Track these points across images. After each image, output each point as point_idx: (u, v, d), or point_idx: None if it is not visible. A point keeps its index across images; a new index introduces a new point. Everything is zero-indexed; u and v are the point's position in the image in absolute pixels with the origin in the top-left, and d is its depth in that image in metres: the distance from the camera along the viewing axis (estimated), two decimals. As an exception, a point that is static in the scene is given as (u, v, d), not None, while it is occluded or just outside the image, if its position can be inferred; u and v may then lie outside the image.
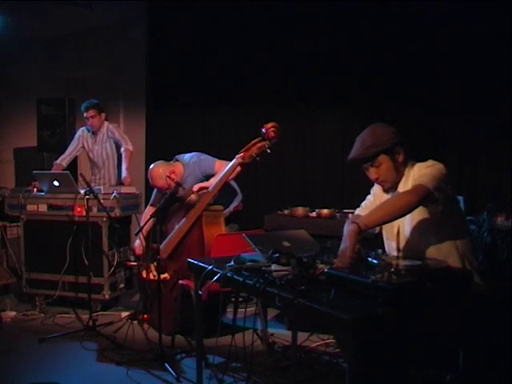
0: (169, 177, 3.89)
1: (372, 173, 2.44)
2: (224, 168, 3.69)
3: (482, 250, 3.54)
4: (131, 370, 3.27)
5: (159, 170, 3.92)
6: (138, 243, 4.03)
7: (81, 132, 5.23)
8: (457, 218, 2.39)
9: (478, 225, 3.68)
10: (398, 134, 2.45)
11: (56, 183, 4.46)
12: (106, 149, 5.14)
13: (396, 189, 2.45)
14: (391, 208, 2.28)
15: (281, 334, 3.78)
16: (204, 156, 4.04)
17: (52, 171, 4.93)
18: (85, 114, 5.05)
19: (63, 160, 5.16)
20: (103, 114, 5.12)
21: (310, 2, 5.30)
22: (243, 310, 3.44)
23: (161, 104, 6.26)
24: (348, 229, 2.20)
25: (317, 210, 4.33)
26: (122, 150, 5.07)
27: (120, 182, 5.09)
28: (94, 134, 5.13)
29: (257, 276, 2.22)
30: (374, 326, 1.84)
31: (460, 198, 2.76)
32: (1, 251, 4.96)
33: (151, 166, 4.00)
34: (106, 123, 5.17)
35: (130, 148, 5.10)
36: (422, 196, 2.24)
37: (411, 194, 2.25)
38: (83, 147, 5.21)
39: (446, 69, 4.83)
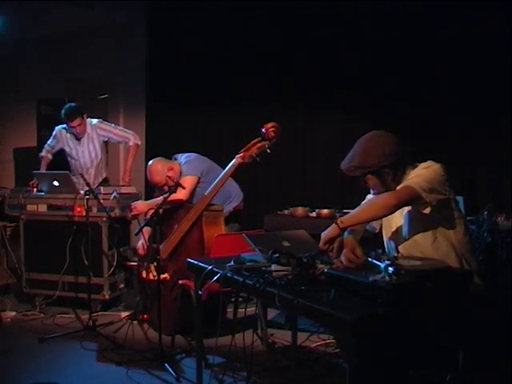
0: (168, 176, 3.94)
1: (362, 182, 2.50)
2: (223, 171, 3.72)
3: (482, 250, 3.54)
4: (131, 370, 3.26)
5: (157, 166, 4.00)
6: (140, 243, 4.03)
7: (58, 135, 4.91)
8: (455, 219, 2.39)
9: (478, 225, 3.68)
10: (392, 154, 2.36)
11: (56, 183, 4.46)
12: (94, 148, 4.88)
13: None
14: (370, 208, 2.33)
15: (281, 333, 3.78)
16: (192, 161, 4.06)
17: (52, 171, 4.90)
18: (69, 124, 4.71)
19: (48, 153, 4.98)
20: (85, 116, 4.78)
21: (310, 2, 5.30)
22: (243, 309, 3.44)
23: (161, 104, 6.26)
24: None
25: (317, 210, 4.33)
26: (131, 144, 4.93)
27: (104, 180, 5.02)
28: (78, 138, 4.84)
29: (257, 276, 2.22)
30: (374, 325, 1.84)
31: (460, 198, 2.75)
32: (1, 251, 4.95)
33: (150, 162, 4.07)
34: (87, 122, 4.83)
35: (139, 142, 4.99)
36: (405, 197, 2.27)
37: (392, 196, 2.29)
38: (63, 148, 4.94)
39: (446, 69, 4.83)
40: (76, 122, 4.70)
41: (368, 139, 2.45)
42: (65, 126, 4.84)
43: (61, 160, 5.06)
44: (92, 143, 4.89)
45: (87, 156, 4.92)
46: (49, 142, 5.04)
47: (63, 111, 4.73)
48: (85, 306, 4.19)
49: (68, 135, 4.89)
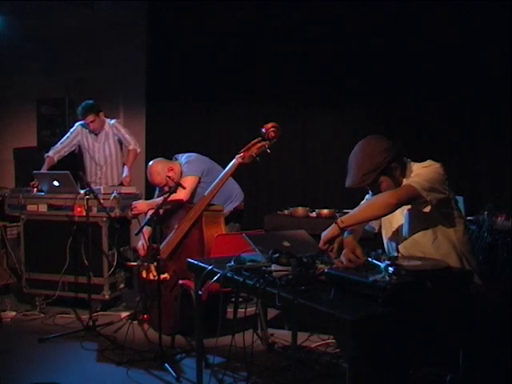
0: (169, 176, 3.94)
1: (373, 191, 2.45)
2: (222, 172, 3.73)
3: (482, 249, 3.54)
4: (131, 370, 3.26)
5: (158, 167, 4.00)
6: (141, 243, 4.02)
7: (79, 129, 5.05)
8: (455, 218, 2.39)
9: (478, 225, 3.68)
10: (390, 148, 2.37)
11: (56, 183, 4.46)
12: (109, 146, 5.04)
13: None
14: (370, 208, 2.32)
15: (281, 333, 3.78)
16: (192, 161, 4.06)
17: (52, 171, 4.90)
18: (84, 120, 4.91)
19: (55, 154, 5.02)
20: (101, 114, 4.97)
21: (310, 2, 5.30)
22: (243, 309, 3.44)
23: (161, 104, 6.27)
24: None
25: (317, 210, 4.33)
26: (131, 148, 5.04)
27: (120, 182, 5.09)
28: (96, 133, 5.02)
29: (257, 276, 2.22)
30: (374, 326, 1.84)
31: (460, 198, 2.76)
32: (1, 251, 4.95)
33: (150, 163, 4.08)
34: (106, 121, 5.05)
35: (138, 150, 5.11)
36: (405, 196, 2.27)
37: (392, 195, 2.27)
38: (79, 145, 5.08)
39: (446, 69, 4.84)
40: (89, 119, 4.88)
41: (362, 147, 2.42)
42: (83, 122, 5.00)
43: (62, 160, 5.09)
44: (107, 141, 5.04)
45: (102, 153, 5.05)
46: (61, 140, 5.09)
47: (78, 108, 4.95)
48: (85, 305, 4.19)
49: (86, 132, 5.04)
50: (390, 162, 2.35)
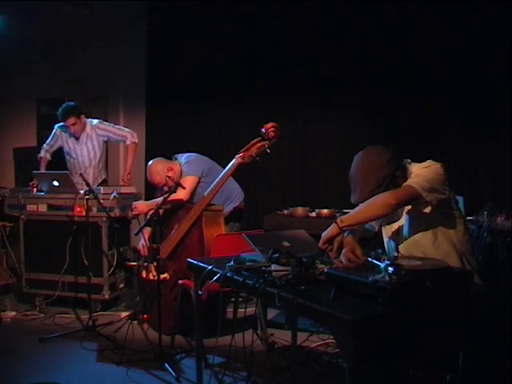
0: (168, 176, 3.95)
1: None
2: (221, 172, 3.74)
3: (482, 249, 3.54)
4: (131, 370, 3.26)
5: (157, 166, 4.00)
6: (141, 244, 4.02)
7: (58, 133, 4.92)
8: (455, 218, 2.39)
9: (478, 225, 3.68)
10: (392, 157, 2.36)
11: (56, 183, 4.46)
12: (93, 148, 4.87)
13: None
14: (370, 208, 2.31)
15: (281, 333, 3.78)
16: (192, 161, 4.06)
17: (52, 171, 4.90)
18: (64, 123, 4.74)
19: (46, 153, 4.98)
20: (82, 116, 4.76)
21: (310, 2, 5.30)
22: (243, 309, 3.44)
23: (161, 104, 6.27)
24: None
25: (317, 210, 4.34)
26: (128, 143, 4.92)
27: (103, 181, 5.01)
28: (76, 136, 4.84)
29: (257, 276, 2.22)
30: (374, 325, 1.84)
31: (460, 198, 2.75)
32: (1, 251, 4.95)
33: (150, 163, 4.08)
34: (88, 122, 4.85)
35: (136, 140, 4.97)
36: (405, 197, 2.26)
37: (392, 196, 2.27)
38: (61, 146, 4.95)
39: (446, 69, 4.84)
40: (70, 122, 4.70)
41: (363, 159, 2.42)
42: (63, 124, 4.84)
43: (61, 160, 5.05)
44: (91, 143, 4.88)
45: (86, 155, 4.90)
46: (47, 141, 5.03)
47: (59, 110, 4.74)
48: (85, 305, 4.19)
49: (67, 133, 4.89)
50: (394, 172, 2.35)
